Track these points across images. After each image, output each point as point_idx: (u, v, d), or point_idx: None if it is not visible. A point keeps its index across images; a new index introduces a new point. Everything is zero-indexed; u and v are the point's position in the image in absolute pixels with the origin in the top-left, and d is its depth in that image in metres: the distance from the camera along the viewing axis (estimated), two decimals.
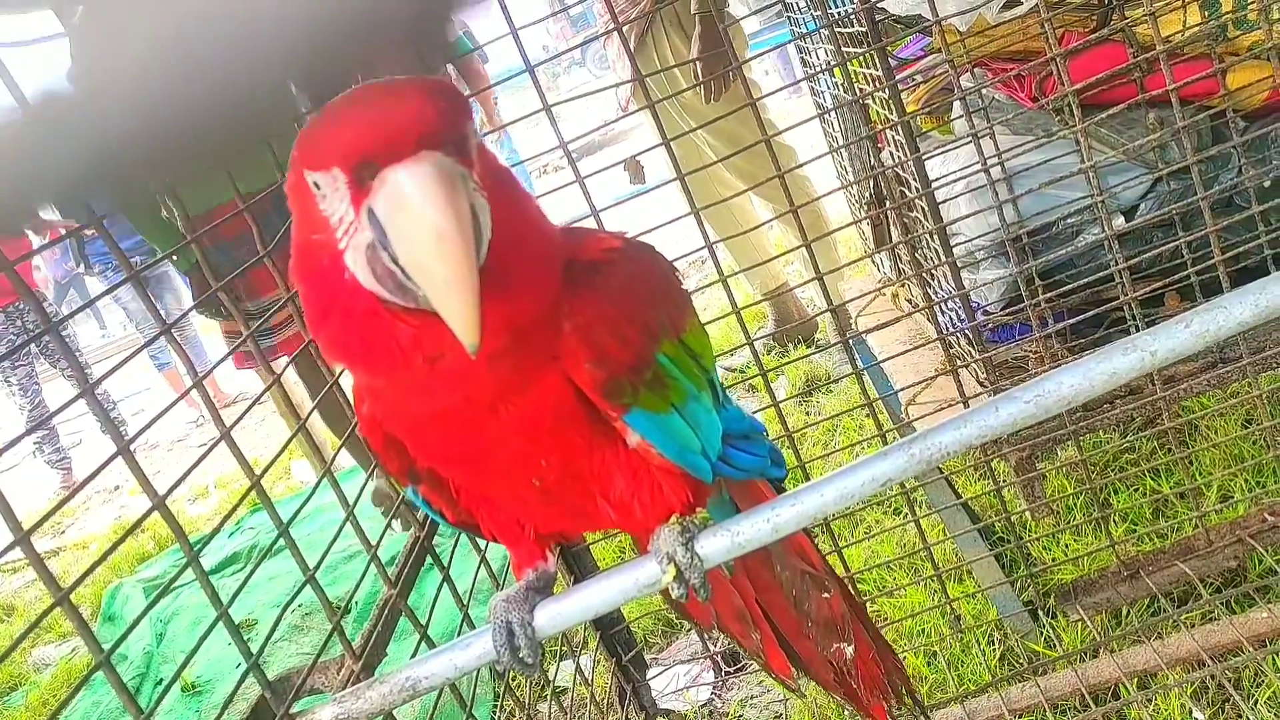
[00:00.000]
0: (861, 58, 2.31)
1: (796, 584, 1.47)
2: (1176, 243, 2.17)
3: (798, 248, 2.68)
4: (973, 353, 2.32)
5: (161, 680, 4.06)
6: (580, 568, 2.36)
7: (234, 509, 1.41)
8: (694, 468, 1.14)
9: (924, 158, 2.21)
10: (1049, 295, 2.22)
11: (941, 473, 2.47)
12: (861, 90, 2.41)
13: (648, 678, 2.54)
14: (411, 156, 0.82)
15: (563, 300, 1.00)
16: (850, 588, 1.55)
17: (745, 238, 4.51)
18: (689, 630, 3.07)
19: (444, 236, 0.82)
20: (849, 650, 1.49)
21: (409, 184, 0.82)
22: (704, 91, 4.09)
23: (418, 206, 0.82)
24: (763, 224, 2.96)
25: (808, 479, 1.22)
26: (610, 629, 2.43)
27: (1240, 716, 2.06)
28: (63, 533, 7.14)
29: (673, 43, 4.29)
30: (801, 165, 2.50)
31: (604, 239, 1.10)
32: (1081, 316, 2.23)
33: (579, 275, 1.02)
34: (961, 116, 2.28)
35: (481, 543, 1.96)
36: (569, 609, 1.14)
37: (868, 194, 2.87)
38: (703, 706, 2.74)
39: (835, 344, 2.43)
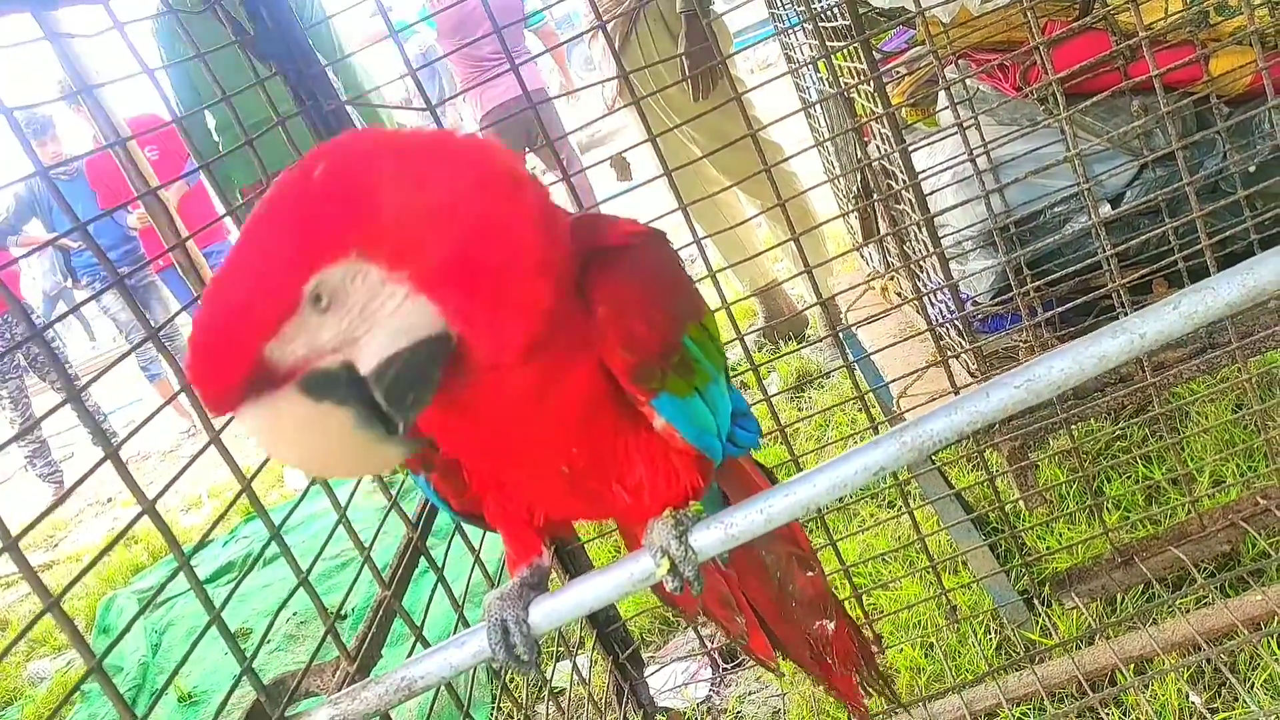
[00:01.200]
0: (845, 51, 2.31)
1: (782, 565, 1.49)
2: (1163, 229, 2.17)
3: (785, 241, 2.68)
4: (963, 343, 2.33)
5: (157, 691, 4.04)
6: (575, 568, 2.35)
7: (226, 510, 1.40)
8: (709, 449, 1.15)
9: (910, 149, 2.21)
10: (1037, 284, 2.23)
11: (934, 463, 2.48)
12: (846, 84, 2.41)
13: (645, 676, 2.54)
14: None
15: (594, 286, 0.99)
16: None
17: (733, 235, 4.51)
18: (686, 628, 3.07)
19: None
20: (831, 626, 1.51)
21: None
22: (690, 90, 4.08)
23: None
24: (749, 219, 2.96)
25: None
26: (607, 627, 2.43)
27: (1237, 699, 2.07)
28: (56, 545, 7.11)
29: (657, 40, 4.29)
30: (787, 159, 2.50)
31: (624, 224, 1.10)
32: (1070, 304, 2.24)
33: (606, 261, 1.01)
34: (947, 108, 2.29)
35: (476, 542, 1.96)
36: (564, 605, 1.14)
37: (855, 187, 2.88)
38: (701, 703, 2.74)
39: (825, 337, 2.43)
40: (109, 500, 7.57)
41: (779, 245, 3.86)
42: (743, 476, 1.42)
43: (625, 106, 3.82)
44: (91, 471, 1.17)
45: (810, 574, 1.50)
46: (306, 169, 0.85)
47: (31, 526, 1.05)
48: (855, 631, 1.61)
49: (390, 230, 0.82)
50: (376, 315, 0.83)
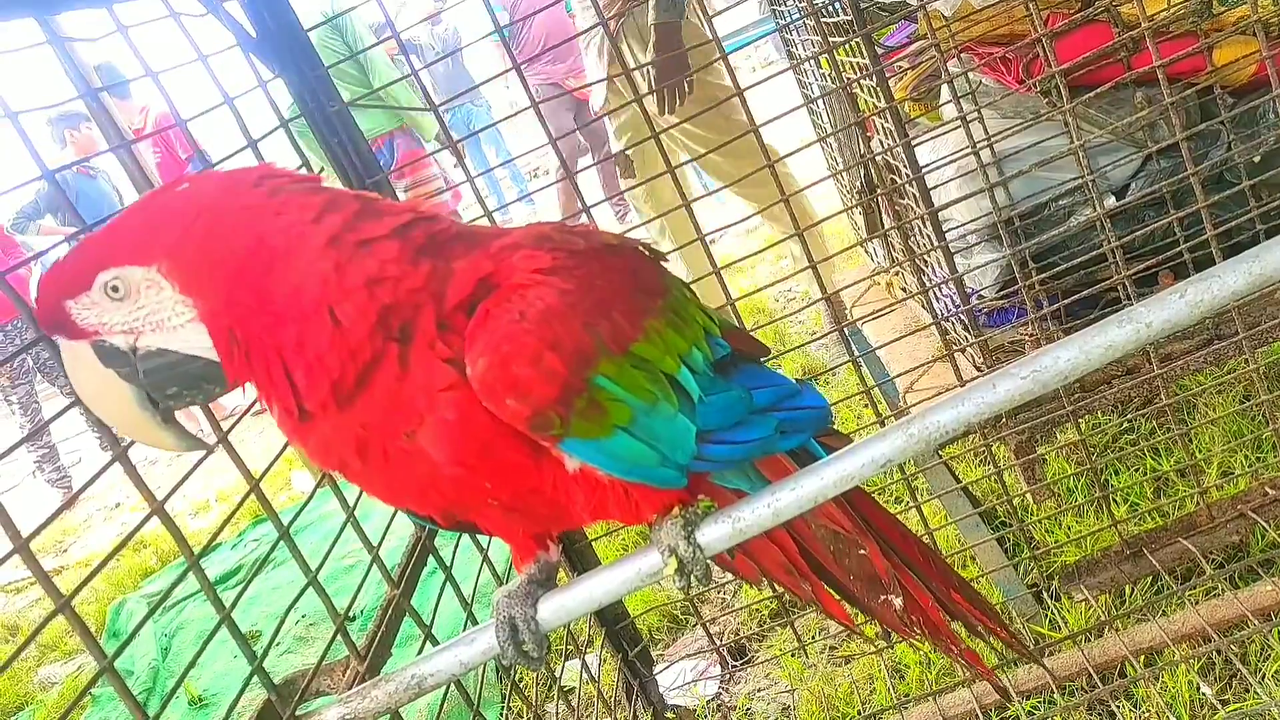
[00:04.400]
0: (847, 46, 2.31)
1: (831, 540, 1.42)
2: (1168, 221, 2.17)
3: (785, 239, 2.68)
4: (968, 337, 2.32)
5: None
6: (582, 566, 2.35)
7: (235, 510, 1.41)
8: (656, 480, 1.08)
9: (913, 144, 2.20)
10: (1043, 277, 2.22)
11: (941, 458, 2.47)
12: (849, 79, 2.40)
13: (654, 673, 2.54)
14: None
15: (474, 335, 0.96)
16: (910, 540, 1.46)
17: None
18: (694, 625, 3.07)
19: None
20: (897, 602, 1.44)
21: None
22: (659, 103, 3.99)
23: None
24: (745, 220, 2.96)
25: None
26: (615, 625, 2.43)
27: (1248, 690, 2.06)
28: (65, 551, 7.13)
29: (633, 52, 4.25)
30: (786, 156, 2.50)
31: (536, 257, 1.02)
32: (1076, 297, 2.23)
33: (494, 303, 0.97)
34: (949, 102, 2.28)
35: (484, 541, 1.96)
36: (572, 600, 1.14)
37: (859, 182, 2.87)
38: (710, 701, 2.74)
39: (830, 332, 2.43)
40: (117, 505, 7.60)
41: (777, 243, 3.84)
42: (777, 468, 1.33)
43: (611, 112, 3.83)
44: (104, 470, 1.18)
45: (861, 551, 1.41)
46: (177, 183, 1.00)
47: (44, 526, 1.06)
48: (953, 598, 1.47)
49: (194, 263, 0.95)
50: (164, 321, 0.97)
